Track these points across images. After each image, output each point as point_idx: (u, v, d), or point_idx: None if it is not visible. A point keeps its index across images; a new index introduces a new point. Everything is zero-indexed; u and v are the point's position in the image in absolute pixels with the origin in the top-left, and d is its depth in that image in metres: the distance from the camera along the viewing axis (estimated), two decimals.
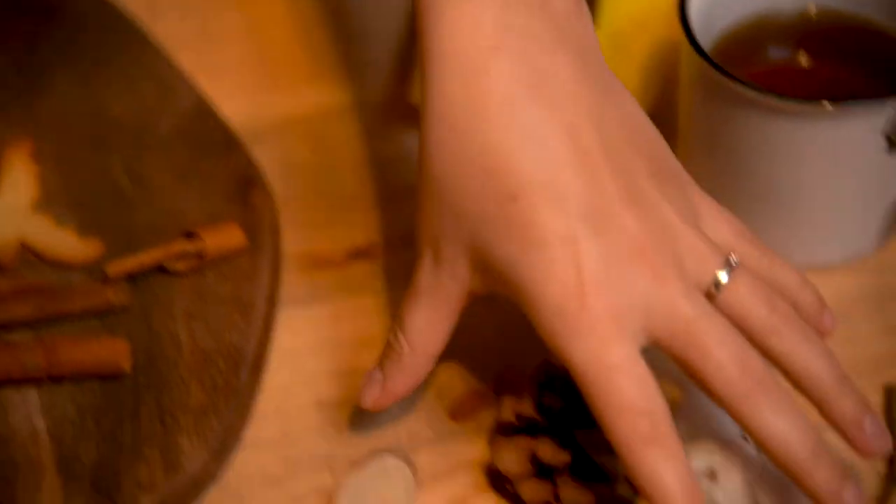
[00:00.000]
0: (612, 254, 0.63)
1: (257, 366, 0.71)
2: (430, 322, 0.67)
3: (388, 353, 0.68)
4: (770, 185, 0.73)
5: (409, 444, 0.70)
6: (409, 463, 0.69)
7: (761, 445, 0.62)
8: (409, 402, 0.71)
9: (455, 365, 0.72)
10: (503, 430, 0.69)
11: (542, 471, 0.67)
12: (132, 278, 0.73)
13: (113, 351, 0.69)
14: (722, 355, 0.62)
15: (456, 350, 0.71)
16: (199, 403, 0.69)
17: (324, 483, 0.69)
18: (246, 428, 0.70)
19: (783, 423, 0.62)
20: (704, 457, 0.65)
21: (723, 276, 0.64)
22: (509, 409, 0.68)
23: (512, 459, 0.67)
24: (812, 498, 0.62)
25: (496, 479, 0.69)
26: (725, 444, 0.65)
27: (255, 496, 0.68)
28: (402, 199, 0.79)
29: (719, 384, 0.62)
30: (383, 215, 0.79)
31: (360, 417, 0.71)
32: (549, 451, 0.66)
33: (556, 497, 0.66)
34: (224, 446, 0.68)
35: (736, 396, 0.62)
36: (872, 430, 0.63)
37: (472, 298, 0.68)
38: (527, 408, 0.67)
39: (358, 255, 0.77)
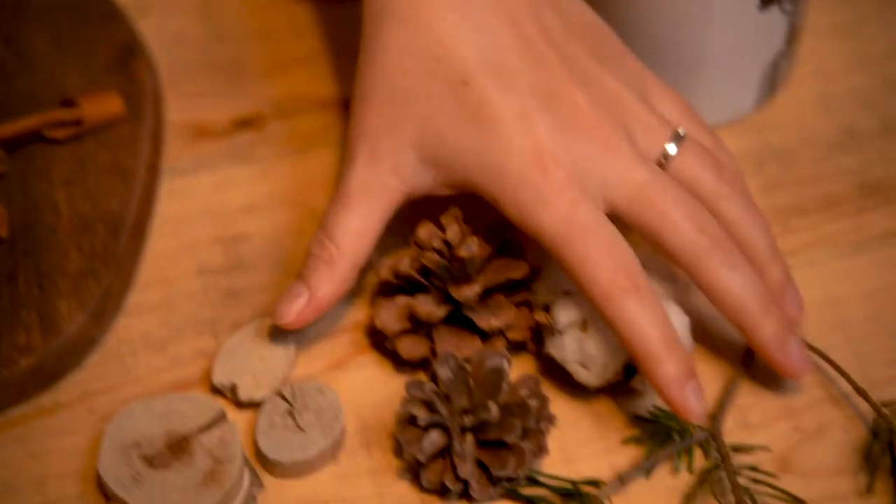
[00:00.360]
0: (565, 127, 0.64)
1: (138, 232, 0.71)
2: (362, 225, 0.67)
3: (313, 262, 0.67)
4: (648, 44, 0.73)
5: None
6: None
7: (715, 300, 0.64)
8: (292, 265, 0.71)
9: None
10: (383, 291, 0.69)
11: (419, 327, 0.68)
12: (10, 147, 0.72)
13: None
14: (678, 215, 0.64)
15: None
16: (78, 268, 0.68)
17: (206, 346, 0.69)
18: (128, 294, 0.71)
19: (738, 278, 0.64)
20: (575, 310, 0.66)
21: (671, 148, 0.66)
22: (388, 269, 0.69)
23: (390, 317, 0.68)
24: (759, 350, 0.65)
25: (376, 338, 0.69)
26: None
27: (137, 359, 0.69)
28: (288, 70, 0.79)
29: (677, 243, 0.64)
30: (270, 85, 0.79)
31: (244, 283, 0.71)
32: (425, 308, 0.67)
33: (433, 351, 0.67)
34: (103, 310, 0.68)
35: (693, 254, 0.64)
36: (792, 300, 0.66)
37: (405, 201, 0.67)
38: (405, 266, 0.68)
39: (243, 124, 0.77)
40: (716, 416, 0.66)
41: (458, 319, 0.68)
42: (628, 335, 0.63)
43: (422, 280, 0.67)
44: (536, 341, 0.68)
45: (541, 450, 0.64)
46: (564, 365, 0.67)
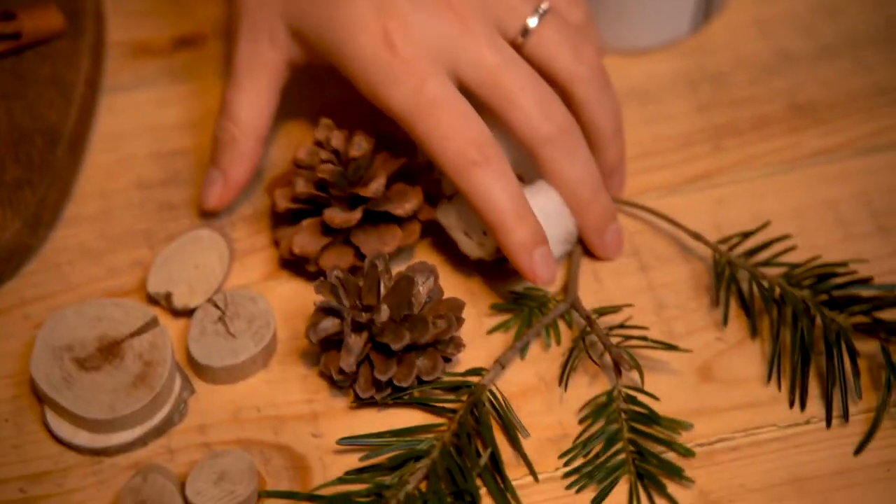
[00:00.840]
0: (416, 3, 0.65)
1: (75, 145, 0.72)
2: (256, 99, 0.69)
3: (219, 146, 0.69)
4: None
5: (228, 220, 0.71)
6: (225, 236, 0.70)
7: (554, 184, 0.67)
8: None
9: (277, 141, 0.73)
10: (283, 221, 0.69)
11: (336, 240, 0.68)
12: None
13: None
14: (526, 102, 0.65)
15: (275, 131, 0.73)
16: (14, 178, 0.69)
17: (142, 256, 0.70)
18: (65, 205, 0.71)
19: (574, 167, 0.66)
20: None
21: (532, 22, 0.67)
22: (282, 198, 0.69)
23: (305, 240, 0.68)
24: (582, 233, 0.68)
25: (295, 267, 0.69)
26: None
27: (74, 268, 0.69)
28: None
29: (523, 129, 0.66)
30: (210, 5, 0.79)
31: (180, 197, 0.72)
32: (340, 216, 0.67)
33: (357, 254, 0.68)
34: (39, 220, 0.69)
35: (537, 141, 0.66)
36: (616, 181, 0.69)
37: (291, 70, 0.69)
38: (302, 187, 0.68)
39: (184, 43, 0.78)
40: (569, 286, 0.68)
41: (368, 219, 0.68)
42: (480, 205, 0.65)
43: (322, 194, 0.68)
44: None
45: (434, 368, 0.64)
46: (450, 232, 0.68)
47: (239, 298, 0.67)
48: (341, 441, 0.63)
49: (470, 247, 0.68)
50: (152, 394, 0.63)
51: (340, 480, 0.62)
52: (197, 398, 0.66)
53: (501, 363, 0.66)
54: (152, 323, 0.65)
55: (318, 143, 0.69)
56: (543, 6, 0.67)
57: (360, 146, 0.68)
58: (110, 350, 0.65)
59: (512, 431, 0.64)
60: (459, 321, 0.65)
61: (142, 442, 0.64)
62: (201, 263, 0.69)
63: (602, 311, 0.67)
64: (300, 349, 0.67)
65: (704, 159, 0.73)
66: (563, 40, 0.67)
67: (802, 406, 0.65)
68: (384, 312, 0.63)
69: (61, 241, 0.70)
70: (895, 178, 0.71)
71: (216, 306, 0.67)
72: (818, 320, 0.66)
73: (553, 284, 0.67)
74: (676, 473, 0.63)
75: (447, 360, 0.65)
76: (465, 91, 0.67)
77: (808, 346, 0.65)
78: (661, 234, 0.70)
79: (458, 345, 0.65)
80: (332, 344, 0.65)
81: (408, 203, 0.69)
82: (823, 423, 0.64)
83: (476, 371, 0.66)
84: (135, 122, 0.75)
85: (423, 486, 0.62)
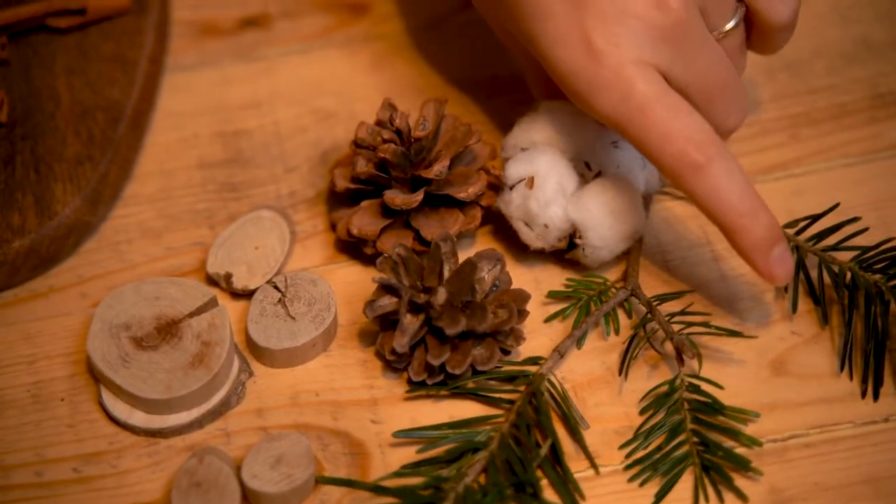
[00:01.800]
0: (621, 6, 0.62)
1: (137, 122, 0.71)
2: None
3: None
4: None
5: (290, 202, 0.70)
6: (286, 217, 0.69)
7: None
8: (291, 161, 0.71)
9: (344, 123, 0.72)
10: (341, 202, 0.68)
11: (395, 221, 0.67)
12: (14, 34, 0.72)
13: None
14: (725, 100, 0.63)
15: (342, 113, 0.72)
16: (75, 153, 0.68)
17: (202, 236, 0.69)
18: (125, 183, 0.70)
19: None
20: (526, 166, 0.65)
21: (731, 23, 0.65)
22: (342, 178, 0.67)
23: (364, 221, 0.66)
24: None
25: (353, 249, 0.68)
26: (547, 153, 0.66)
27: (132, 247, 0.68)
28: None
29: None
30: None
31: (242, 177, 0.71)
32: (400, 198, 0.66)
33: (417, 238, 0.66)
34: (99, 196, 0.68)
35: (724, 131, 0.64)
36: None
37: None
38: (362, 167, 0.66)
39: (249, 23, 0.76)
40: (629, 273, 0.66)
41: (428, 202, 0.67)
42: (709, 209, 0.62)
43: (382, 175, 0.67)
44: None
45: (491, 359, 0.63)
46: (510, 221, 0.66)
47: (299, 280, 0.66)
48: (397, 434, 0.62)
49: (531, 237, 0.66)
50: (210, 375, 0.62)
51: (398, 474, 0.60)
52: (255, 381, 0.64)
53: (560, 352, 0.64)
54: (211, 303, 0.64)
55: (380, 123, 0.68)
56: (741, 10, 0.65)
57: (424, 126, 0.66)
58: (168, 329, 0.63)
59: (572, 422, 0.62)
60: (522, 313, 0.63)
61: (198, 424, 0.62)
62: (262, 245, 0.68)
63: (663, 298, 0.65)
64: (360, 334, 0.66)
65: (781, 149, 0.71)
66: (743, 46, 0.66)
67: (875, 397, 0.62)
68: (441, 295, 0.62)
69: (121, 219, 0.69)
70: None
71: (276, 288, 0.66)
72: (893, 306, 0.64)
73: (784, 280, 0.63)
74: (743, 466, 0.61)
75: (506, 352, 0.63)
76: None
77: (883, 334, 0.63)
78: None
79: (519, 337, 0.63)
80: (390, 324, 0.63)
81: (471, 187, 0.67)
82: None
83: (534, 360, 0.64)
84: (198, 102, 0.74)
85: (481, 478, 0.60)
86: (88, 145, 0.69)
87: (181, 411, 0.62)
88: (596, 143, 0.67)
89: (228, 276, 0.66)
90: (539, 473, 0.61)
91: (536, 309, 0.66)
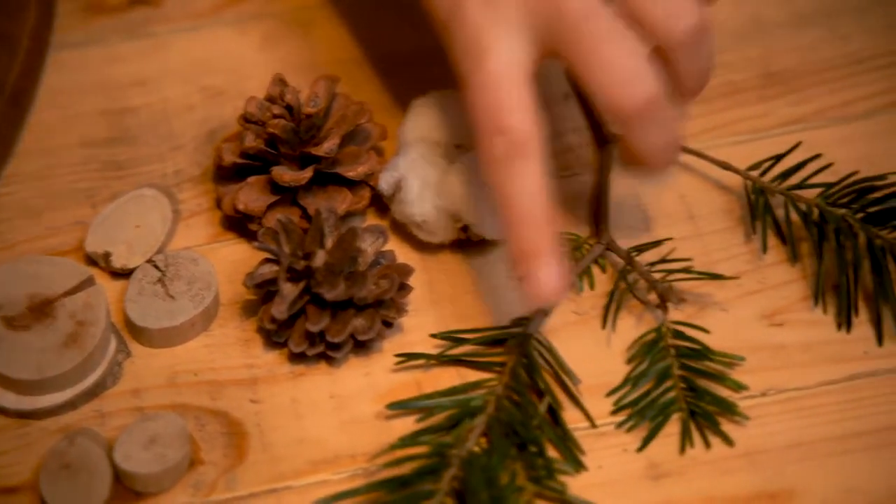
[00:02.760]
0: None
1: (18, 100, 0.69)
2: None
3: None
4: None
5: (176, 180, 0.69)
6: (170, 196, 0.68)
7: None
8: (178, 139, 0.69)
9: (233, 102, 0.71)
10: (228, 177, 0.67)
11: (284, 198, 0.66)
12: None
13: None
14: (610, 57, 0.59)
15: (231, 91, 0.71)
16: None
17: (84, 216, 0.67)
18: (6, 162, 0.68)
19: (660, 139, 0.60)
20: (391, 174, 0.65)
21: None
22: (230, 152, 0.66)
23: (251, 197, 0.66)
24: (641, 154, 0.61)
25: (238, 225, 0.67)
26: (407, 154, 0.65)
27: (12, 226, 0.67)
28: None
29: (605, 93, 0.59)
30: None
31: (127, 155, 0.69)
32: (289, 174, 0.65)
33: (305, 216, 0.65)
34: None
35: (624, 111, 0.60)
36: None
37: None
38: (251, 142, 0.65)
39: (138, 0, 0.75)
40: (601, 227, 0.66)
41: (317, 181, 0.66)
42: (500, 201, 0.60)
43: (271, 151, 0.66)
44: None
45: (371, 329, 0.62)
46: (407, 228, 0.65)
47: (180, 259, 0.65)
48: (391, 406, 0.61)
49: (424, 236, 0.65)
50: (83, 355, 0.61)
51: (397, 445, 0.59)
52: (132, 361, 0.63)
53: (544, 311, 0.64)
54: (88, 282, 0.63)
55: (271, 99, 0.67)
56: None
57: (314, 103, 0.65)
58: (41, 309, 0.62)
59: (563, 379, 0.62)
60: (405, 287, 0.63)
61: (72, 405, 0.61)
62: (143, 223, 0.66)
63: (641, 249, 0.65)
64: (242, 312, 0.64)
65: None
66: None
67: (849, 328, 0.63)
68: (320, 258, 0.61)
69: (0, 198, 0.69)
70: (867, 148, 0.69)
71: (156, 267, 0.64)
72: (861, 239, 0.64)
73: (557, 299, 0.62)
74: (729, 409, 0.61)
75: (388, 324, 0.63)
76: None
77: (855, 265, 0.63)
78: (684, 170, 0.68)
79: (401, 309, 0.63)
80: (271, 296, 0.62)
81: (360, 166, 0.66)
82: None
83: (519, 322, 0.63)
84: (84, 79, 0.72)
85: (482, 441, 0.60)
86: None
87: (54, 392, 0.61)
88: (467, 126, 0.65)
89: (107, 255, 0.65)
90: (537, 432, 0.61)
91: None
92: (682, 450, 0.60)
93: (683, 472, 0.60)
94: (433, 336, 0.63)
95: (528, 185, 0.60)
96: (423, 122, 0.66)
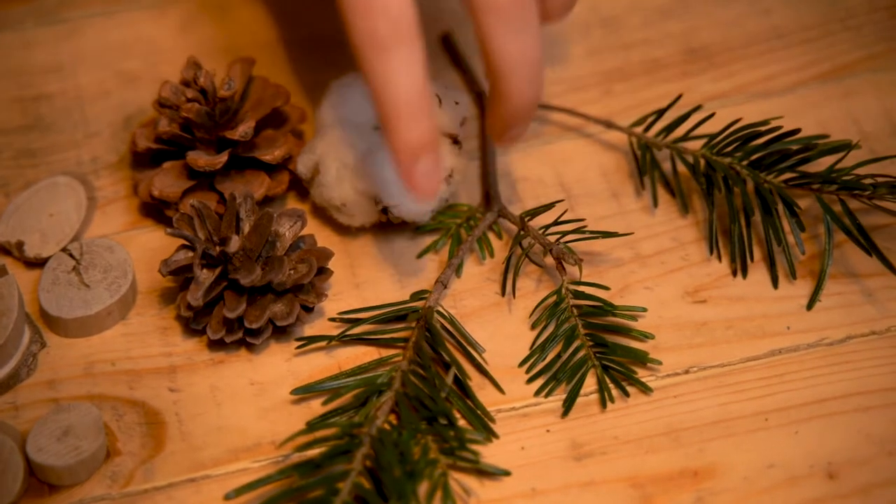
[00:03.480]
0: None
1: None
2: None
3: None
4: None
5: (92, 168, 0.68)
6: (85, 183, 0.67)
7: (493, 62, 0.59)
8: (94, 126, 0.68)
9: (149, 87, 0.70)
10: (143, 163, 0.66)
11: (200, 183, 0.65)
12: None
13: None
14: None
15: (148, 77, 0.70)
16: None
17: None
18: None
19: (524, 45, 0.58)
20: (308, 156, 0.64)
21: None
22: (144, 138, 0.65)
23: (166, 182, 0.65)
24: (501, 119, 0.60)
25: (155, 212, 0.66)
26: (325, 136, 0.64)
27: None
28: None
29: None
30: None
31: (41, 143, 0.68)
32: (204, 159, 0.64)
33: (222, 201, 0.64)
34: None
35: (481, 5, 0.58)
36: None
37: None
38: (165, 126, 0.64)
39: None
40: (492, 195, 0.66)
41: (234, 164, 0.65)
42: (377, 93, 0.58)
43: (186, 136, 0.65)
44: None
45: (290, 314, 0.61)
46: (327, 212, 0.65)
47: (95, 247, 0.63)
48: (295, 391, 0.60)
49: (343, 219, 0.65)
50: None
51: (306, 430, 0.58)
52: (48, 352, 0.62)
53: (443, 283, 0.63)
54: (0, 272, 0.62)
55: (185, 83, 0.66)
56: None
57: (229, 86, 0.64)
58: None
59: (468, 349, 0.61)
60: (324, 270, 0.62)
61: None
62: (56, 211, 0.65)
63: (533, 213, 0.65)
64: (160, 300, 0.63)
65: (594, 104, 0.70)
66: None
67: (745, 274, 0.63)
68: (235, 243, 0.60)
69: None
70: (789, 122, 0.68)
71: (70, 255, 0.63)
72: (749, 185, 0.65)
73: (430, 202, 0.63)
74: (641, 359, 0.61)
75: (308, 309, 0.62)
76: None
77: (746, 211, 0.63)
78: (569, 133, 0.68)
79: (320, 294, 0.62)
80: (188, 283, 0.61)
81: (277, 150, 0.65)
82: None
83: (418, 295, 0.63)
84: None
85: (392, 419, 0.59)
86: None
87: None
88: None
89: (20, 245, 0.64)
90: (446, 404, 0.60)
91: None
92: (604, 406, 0.60)
93: (607, 451, 0.59)
94: (331, 320, 0.63)
95: (410, 73, 0.58)
96: (340, 104, 0.65)
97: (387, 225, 0.65)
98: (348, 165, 0.64)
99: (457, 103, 0.65)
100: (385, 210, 0.64)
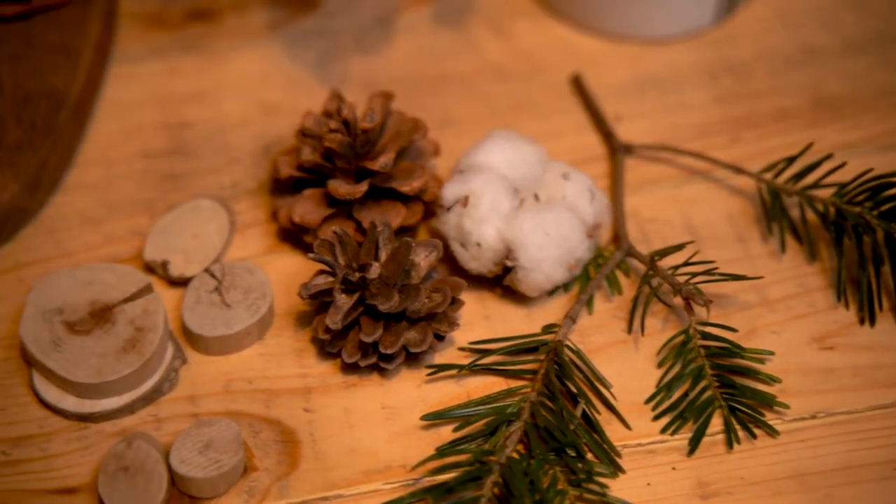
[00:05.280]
0: None
1: (80, 111, 0.70)
2: None
3: None
4: None
5: (232, 193, 0.70)
6: (227, 207, 0.69)
7: None
8: (235, 152, 0.71)
9: (288, 117, 0.72)
10: (284, 190, 0.68)
11: (339, 212, 0.67)
12: None
13: None
14: None
15: (287, 107, 0.72)
16: (15, 139, 0.68)
17: (141, 225, 0.69)
18: (66, 171, 0.70)
19: None
20: (462, 186, 0.66)
21: None
22: (287, 165, 0.67)
23: (307, 209, 0.67)
24: None
25: (293, 237, 0.68)
26: (483, 173, 0.66)
27: (71, 235, 0.68)
28: None
29: None
30: None
31: (184, 168, 0.71)
32: (344, 188, 0.66)
33: (359, 229, 0.66)
34: (39, 183, 0.68)
35: None
36: None
37: None
38: (308, 155, 0.66)
39: (197, 16, 0.76)
40: (620, 234, 0.67)
41: (372, 194, 0.67)
42: None
43: (327, 164, 0.67)
44: None
45: (423, 342, 0.63)
46: (448, 243, 0.66)
47: (236, 269, 0.66)
48: (426, 417, 0.62)
49: (465, 258, 0.66)
50: (142, 360, 0.62)
51: (435, 456, 0.60)
52: (188, 368, 0.64)
53: (572, 317, 0.65)
54: (146, 289, 0.64)
55: (327, 114, 0.68)
56: None
57: (371, 118, 0.67)
58: (102, 315, 0.63)
59: (595, 384, 0.63)
60: (457, 301, 0.64)
61: (129, 409, 0.62)
62: (200, 233, 0.67)
63: (662, 253, 0.66)
64: (296, 323, 0.65)
65: (722, 150, 0.71)
66: None
67: (872, 322, 0.64)
68: (375, 269, 0.62)
69: (60, 206, 0.69)
70: None
71: (213, 276, 0.65)
72: (879, 234, 0.65)
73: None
74: (768, 402, 0.62)
75: (440, 337, 0.64)
76: None
77: (876, 261, 0.64)
78: (696, 177, 0.69)
79: (452, 323, 0.63)
80: (325, 307, 0.63)
81: (415, 181, 0.67)
82: None
83: (549, 329, 0.64)
84: (143, 93, 0.74)
85: (519, 448, 0.61)
86: (30, 132, 0.68)
87: (112, 396, 0.62)
88: (544, 174, 0.67)
89: (165, 264, 0.66)
90: (574, 436, 0.61)
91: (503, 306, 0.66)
92: (730, 447, 0.61)
93: (733, 491, 0.60)
94: (461, 349, 0.64)
95: None
96: (497, 154, 0.67)
97: (494, 282, 0.66)
98: (499, 211, 0.65)
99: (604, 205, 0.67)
100: (507, 269, 0.65)
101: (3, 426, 0.62)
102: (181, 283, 0.66)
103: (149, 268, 0.67)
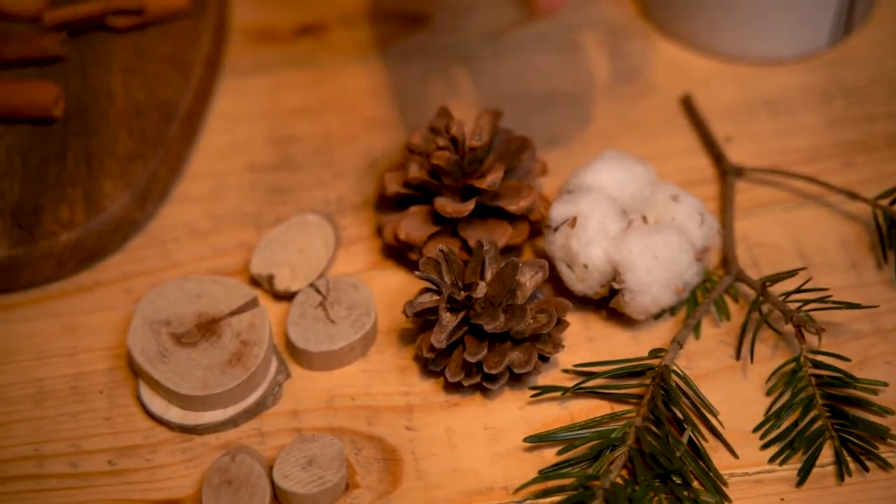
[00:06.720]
0: None
1: (190, 123, 0.71)
2: None
3: None
4: None
5: (337, 208, 0.70)
6: (333, 223, 0.69)
7: None
8: (340, 167, 0.71)
9: (394, 133, 0.72)
10: (390, 206, 0.68)
11: (444, 229, 0.66)
12: (73, 31, 0.73)
13: (44, 93, 0.69)
14: None
15: (393, 123, 0.72)
16: (126, 151, 0.69)
17: (248, 238, 0.69)
18: (175, 182, 0.71)
19: None
20: (569, 206, 0.65)
21: None
22: (394, 182, 0.67)
23: (413, 226, 0.66)
24: None
25: (398, 254, 0.68)
26: (591, 194, 0.65)
27: (179, 246, 0.69)
28: None
29: None
30: None
31: (291, 182, 0.71)
32: (452, 206, 0.66)
33: (465, 247, 0.66)
34: (148, 194, 0.68)
35: None
36: None
37: None
38: (415, 172, 0.66)
39: (306, 31, 0.77)
40: (728, 258, 0.66)
41: (478, 212, 0.67)
42: None
43: (434, 182, 0.67)
44: None
45: (527, 363, 0.62)
46: (554, 263, 0.66)
47: (341, 285, 0.66)
48: (529, 439, 0.62)
49: (571, 279, 0.65)
50: (247, 373, 0.62)
51: (540, 478, 0.60)
52: (292, 382, 0.64)
53: (679, 342, 0.64)
54: (252, 303, 0.64)
55: (435, 131, 0.68)
56: None
57: (479, 137, 0.66)
58: (208, 327, 0.64)
59: (702, 410, 0.62)
60: (562, 322, 0.63)
61: (233, 422, 0.62)
62: (306, 248, 0.68)
63: (773, 279, 0.65)
64: (400, 340, 0.65)
65: (834, 174, 0.70)
66: None
67: None
68: (481, 289, 0.62)
69: (169, 218, 0.70)
70: None
71: (318, 291, 0.66)
72: None
73: (554, 14, 0.63)
74: (881, 434, 0.61)
75: (544, 358, 0.63)
76: None
77: None
78: (808, 201, 0.68)
79: (557, 344, 0.63)
80: (429, 325, 0.63)
81: (522, 200, 0.67)
82: None
83: (655, 353, 0.64)
84: (252, 106, 0.74)
85: (623, 473, 0.60)
86: (140, 143, 0.69)
87: (217, 409, 0.62)
88: (653, 195, 0.67)
89: (271, 278, 0.67)
90: (680, 463, 0.61)
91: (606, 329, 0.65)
92: (841, 479, 0.60)
93: None
94: (564, 371, 0.64)
95: None
96: (607, 174, 0.67)
97: (599, 304, 0.66)
98: (607, 232, 0.64)
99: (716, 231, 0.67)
100: (613, 292, 0.65)
101: (109, 436, 0.63)
102: (286, 297, 0.67)
103: (255, 281, 0.67)
